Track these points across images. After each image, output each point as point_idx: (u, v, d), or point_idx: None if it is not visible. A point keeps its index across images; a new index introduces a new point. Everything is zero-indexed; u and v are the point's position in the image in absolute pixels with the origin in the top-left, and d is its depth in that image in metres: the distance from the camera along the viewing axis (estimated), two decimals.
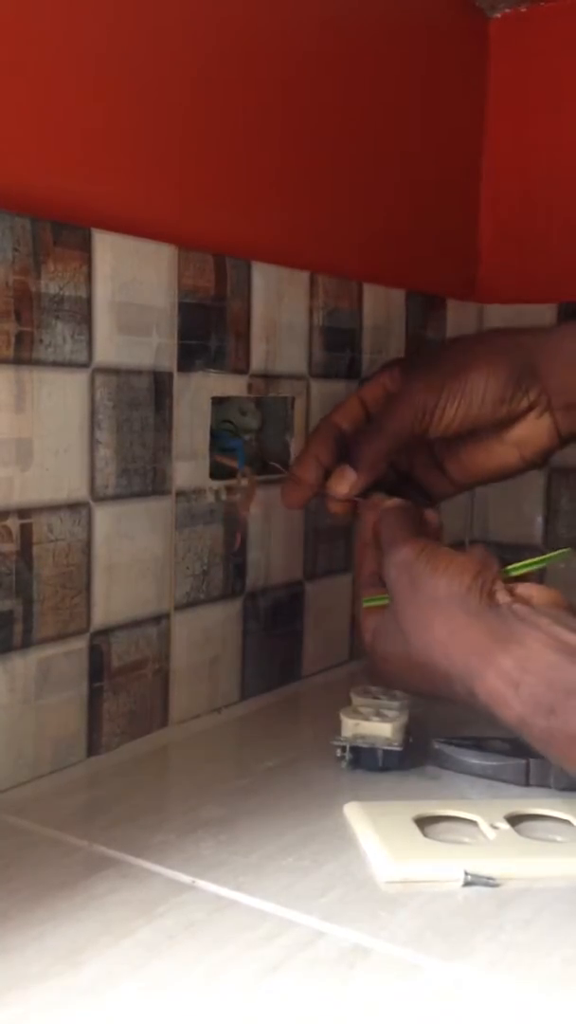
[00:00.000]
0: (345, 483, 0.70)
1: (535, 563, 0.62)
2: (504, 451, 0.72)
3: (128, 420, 0.68)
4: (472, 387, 0.69)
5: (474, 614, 0.56)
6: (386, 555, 0.62)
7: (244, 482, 0.77)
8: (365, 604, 0.65)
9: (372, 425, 0.71)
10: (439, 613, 0.57)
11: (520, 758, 0.65)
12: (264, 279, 0.78)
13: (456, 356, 0.71)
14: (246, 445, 0.79)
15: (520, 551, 1.05)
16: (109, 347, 0.66)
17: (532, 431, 0.71)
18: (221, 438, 0.77)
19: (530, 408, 0.70)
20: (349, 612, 0.89)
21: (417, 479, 0.75)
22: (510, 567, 0.61)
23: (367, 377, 0.89)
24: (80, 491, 0.65)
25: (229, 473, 0.76)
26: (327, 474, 0.71)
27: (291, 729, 0.78)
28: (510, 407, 0.69)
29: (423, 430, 0.69)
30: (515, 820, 0.59)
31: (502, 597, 0.57)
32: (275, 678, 0.83)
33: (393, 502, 0.66)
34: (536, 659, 0.53)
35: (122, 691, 0.70)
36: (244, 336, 0.77)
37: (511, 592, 0.57)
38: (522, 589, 0.58)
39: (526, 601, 0.57)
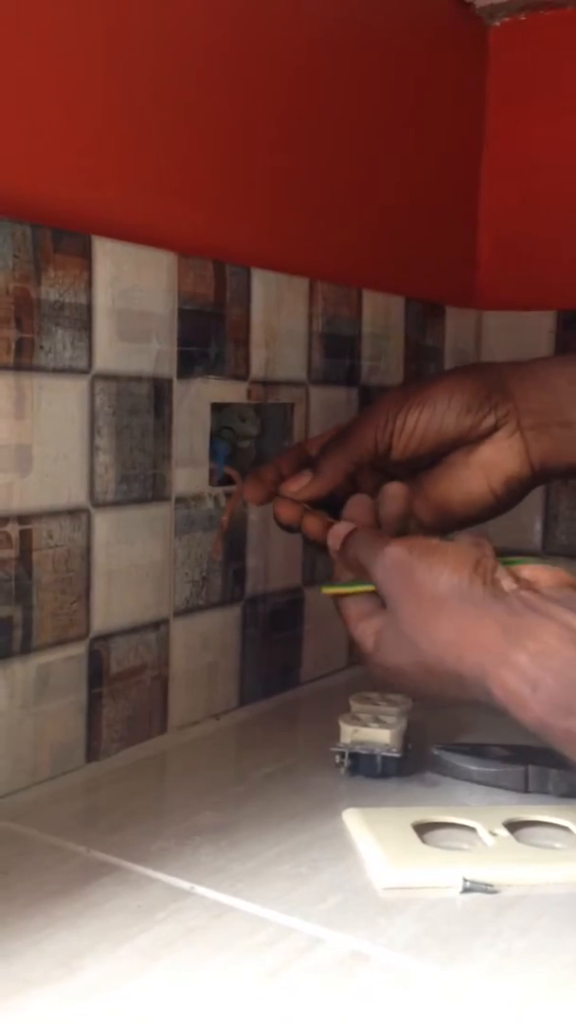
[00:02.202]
0: (298, 483, 0.67)
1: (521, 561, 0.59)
2: (470, 477, 0.67)
3: (128, 426, 0.68)
4: (437, 395, 0.66)
5: (481, 606, 0.53)
6: (372, 562, 0.58)
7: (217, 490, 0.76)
8: (324, 590, 0.61)
9: (335, 436, 0.69)
10: (443, 611, 0.54)
11: (519, 765, 0.65)
12: (263, 286, 0.78)
13: (426, 378, 0.69)
14: (244, 452, 0.79)
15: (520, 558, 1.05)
16: (109, 354, 0.67)
17: (500, 453, 0.67)
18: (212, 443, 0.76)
19: (497, 426, 0.66)
20: None
21: (382, 523, 0.68)
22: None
23: (366, 385, 0.90)
24: (80, 497, 0.66)
25: (230, 480, 0.76)
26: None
27: (290, 735, 0.78)
28: (476, 419, 0.66)
29: (387, 444, 0.66)
30: (514, 827, 0.59)
31: (507, 584, 0.54)
32: (274, 684, 0.83)
33: (348, 526, 0.62)
34: (552, 655, 0.50)
35: (121, 697, 0.70)
36: (243, 343, 0.77)
37: (515, 577, 0.55)
38: (527, 572, 0.55)
39: (532, 586, 0.54)
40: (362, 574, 0.60)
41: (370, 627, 0.59)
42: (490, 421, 0.66)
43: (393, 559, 0.57)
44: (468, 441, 0.67)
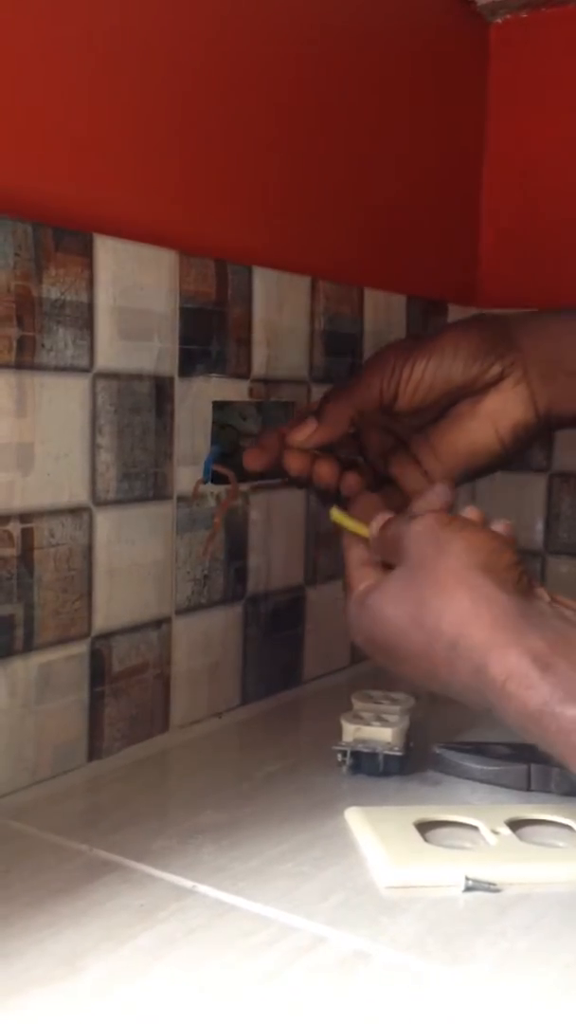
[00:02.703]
0: (304, 431, 0.67)
1: None
2: (478, 427, 0.68)
3: (129, 425, 0.68)
4: (444, 344, 0.67)
5: (509, 592, 0.53)
6: (406, 530, 0.57)
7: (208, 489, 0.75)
8: (335, 515, 0.62)
9: (340, 384, 0.69)
10: (467, 582, 0.53)
11: (521, 763, 0.65)
12: (265, 284, 0.78)
13: (432, 329, 0.69)
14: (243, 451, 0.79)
15: (522, 556, 1.05)
16: (110, 352, 0.66)
17: (507, 401, 0.68)
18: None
19: (504, 375, 0.67)
20: None
21: (394, 479, 0.71)
22: None
23: None
24: (81, 496, 0.65)
25: (225, 479, 0.76)
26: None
27: (292, 734, 0.78)
28: (482, 367, 0.67)
29: (392, 393, 0.67)
30: (516, 825, 0.59)
31: (542, 593, 0.54)
32: (276, 683, 0.83)
33: (389, 515, 0.61)
34: (574, 647, 0.50)
35: (123, 696, 0.70)
36: (245, 341, 0.77)
37: (551, 595, 0.55)
38: (560, 597, 0.55)
39: (563, 602, 0.54)
40: (394, 556, 0.59)
41: (368, 574, 0.59)
42: (496, 369, 0.67)
43: (428, 525, 0.56)
44: (474, 390, 0.68)
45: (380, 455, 0.71)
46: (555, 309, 0.73)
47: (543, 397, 0.68)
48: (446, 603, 0.53)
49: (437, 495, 0.60)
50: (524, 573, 0.54)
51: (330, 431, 0.67)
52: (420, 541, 0.56)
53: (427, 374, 0.66)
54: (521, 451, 0.70)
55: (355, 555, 0.61)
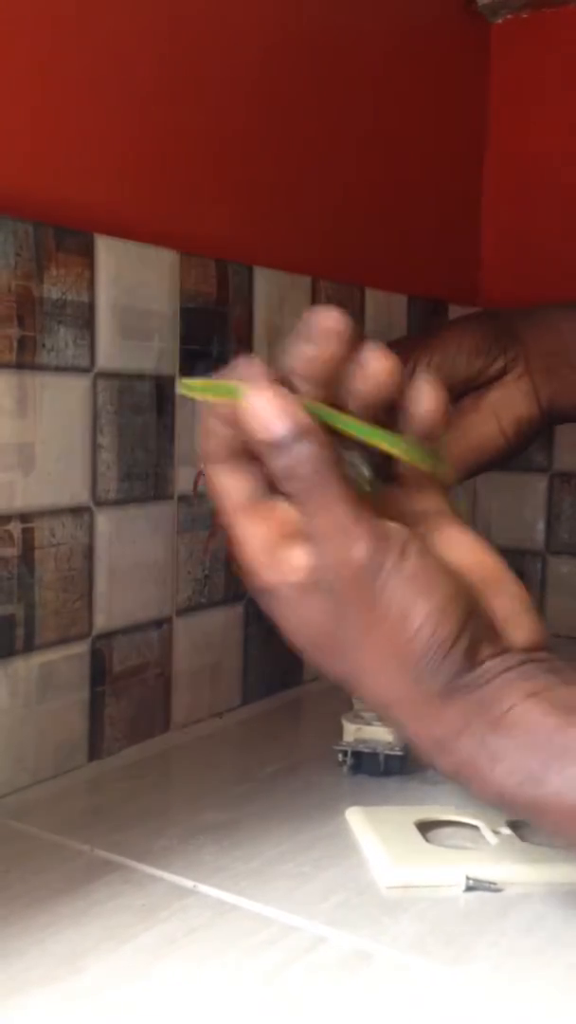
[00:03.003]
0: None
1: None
2: (481, 421, 0.69)
3: (130, 425, 0.68)
4: (448, 339, 0.67)
5: (449, 676, 0.43)
6: (322, 542, 0.43)
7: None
8: (184, 389, 0.44)
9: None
10: (399, 659, 0.43)
11: None
12: (266, 284, 0.78)
13: (434, 326, 0.70)
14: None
15: (522, 556, 1.05)
16: (111, 352, 0.66)
17: (510, 395, 0.68)
18: None
19: (507, 369, 0.68)
20: None
21: (397, 476, 0.71)
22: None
23: None
24: (82, 495, 0.65)
25: None
26: None
27: (293, 734, 0.78)
28: (486, 362, 0.67)
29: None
30: (517, 825, 0.59)
31: (485, 650, 0.44)
32: (277, 683, 0.83)
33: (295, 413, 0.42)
34: (529, 729, 0.43)
35: (124, 695, 0.70)
36: (246, 341, 0.77)
37: (493, 638, 0.45)
38: (504, 625, 0.46)
39: (508, 648, 0.45)
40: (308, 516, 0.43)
41: (279, 548, 0.45)
42: (499, 364, 0.68)
43: (358, 558, 0.43)
44: (478, 385, 0.68)
45: (383, 451, 0.71)
46: (557, 303, 0.73)
47: (546, 391, 0.68)
48: (371, 667, 0.45)
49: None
50: (473, 638, 0.44)
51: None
52: (343, 577, 0.43)
53: (431, 369, 0.66)
54: (524, 445, 0.70)
55: (233, 492, 0.45)
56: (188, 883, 0.52)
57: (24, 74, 0.63)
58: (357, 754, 0.66)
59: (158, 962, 0.46)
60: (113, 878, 0.53)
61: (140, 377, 0.69)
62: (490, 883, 0.52)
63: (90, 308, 0.65)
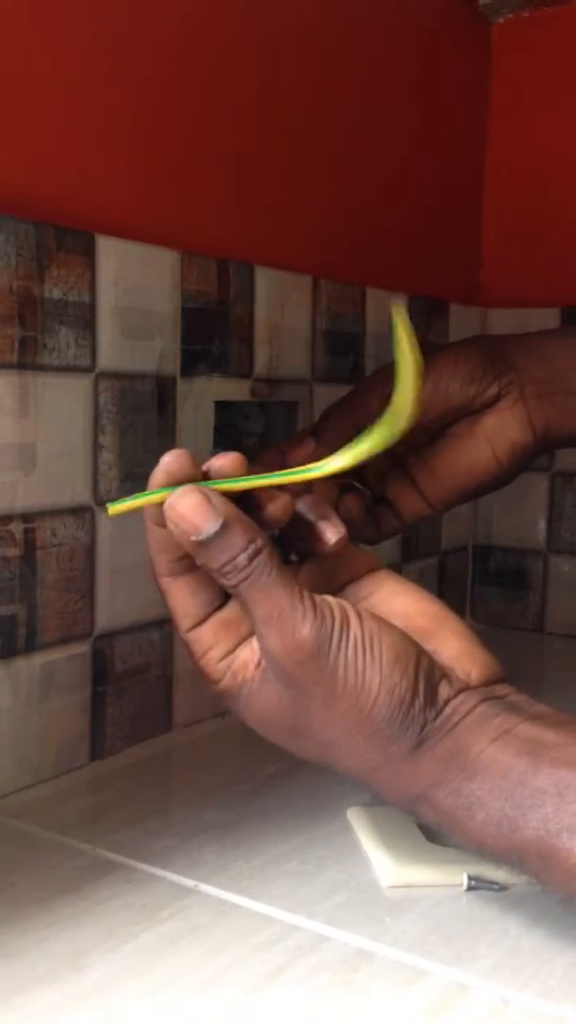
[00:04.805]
0: (303, 450, 0.66)
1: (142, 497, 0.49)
2: (475, 448, 0.68)
3: (131, 425, 0.68)
4: (442, 364, 0.67)
5: (417, 729, 0.46)
6: (268, 630, 0.46)
7: None
8: (113, 509, 0.49)
9: (339, 402, 0.69)
10: (367, 728, 0.46)
11: None
12: (267, 283, 0.78)
13: (429, 349, 0.70)
14: (248, 451, 0.79)
15: (523, 555, 1.05)
16: (112, 352, 0.67)
17: (504, 421, 0.68)
18: None
19: (501, 395, 0.68)
20: None
21: (391, 501, 0.71)
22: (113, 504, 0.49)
23: None
24: (83, 495, 0.66)
25: None
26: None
27: None
28: (479, 387, 0.67)
29: None
30: None
31: (444, 690, 0.47)
32: None
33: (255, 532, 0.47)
34: (501, 774, 0.45)
35: (125, 695, 0.70)
36: (247, 340, 0.77)
37: (449, 676, 0.48)
38: (457, 664, 0.48)
39: (466, 685, 0.48)
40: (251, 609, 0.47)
41: (214, 638, 0.49)
42: (493, 390, 0.67)
43: (312, 645, 0.45)
44: (472, 410, 0.68)
45: (377, 476, 0.71)
46: (551, 329, 0.74)
47: (540, 417, 0.68)
48: (339, 740, 0.48)
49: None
50: (427, 685, 0.47)
51: (328, 450, 0.66)
52: (297, 671, 0.46)
53: (424, 393, 0.66)
54: (518, 471, 0.70)
55: (187, 607, 0.50)
56: (189, 882, 0.52)
57: (24, 74, 0.63)
58: None
59: (159, 961, 0.46)
60: (114, 877, 0.53)
61: (141, 377, 0.69)
62: (492, 883, 0.52)
63: (91, 308, 0.65)
